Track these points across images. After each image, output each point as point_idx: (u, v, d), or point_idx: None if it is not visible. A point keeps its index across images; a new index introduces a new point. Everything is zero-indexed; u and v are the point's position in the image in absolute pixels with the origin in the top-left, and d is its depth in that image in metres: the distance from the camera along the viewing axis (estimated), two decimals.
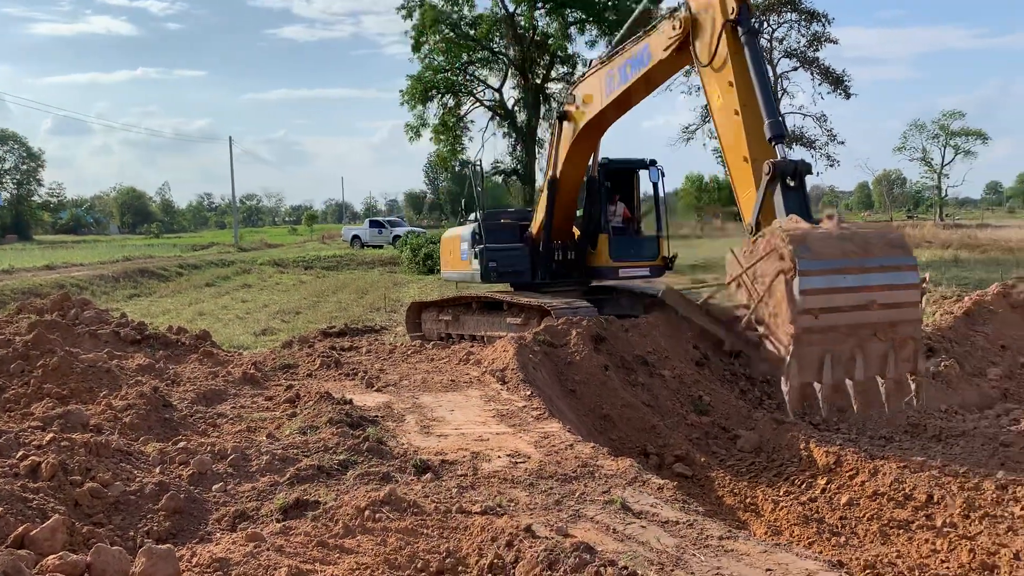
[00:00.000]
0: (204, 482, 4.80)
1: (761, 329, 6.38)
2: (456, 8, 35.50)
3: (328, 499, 4.48)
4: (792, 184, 6.62)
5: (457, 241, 12.64)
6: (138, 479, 4.56)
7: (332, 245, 55.79)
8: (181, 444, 5.42)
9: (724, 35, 6.94)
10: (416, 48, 35.83)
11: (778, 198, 6.65)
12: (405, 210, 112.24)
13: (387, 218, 62.79)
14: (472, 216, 12.80)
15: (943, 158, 78.73)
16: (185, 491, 4.49)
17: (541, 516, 4.31)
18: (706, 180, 70.94)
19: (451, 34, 35.65)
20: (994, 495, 5.89)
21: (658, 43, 7.90)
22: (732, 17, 6.88)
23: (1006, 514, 5.65)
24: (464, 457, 5.52)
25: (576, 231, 11.86)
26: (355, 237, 53.24)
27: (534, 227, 11.67)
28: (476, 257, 11.47)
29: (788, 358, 6.14)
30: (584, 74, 9.72)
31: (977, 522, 5.56)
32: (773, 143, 6.78)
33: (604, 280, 12.07)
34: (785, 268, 5.96)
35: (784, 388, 6.40)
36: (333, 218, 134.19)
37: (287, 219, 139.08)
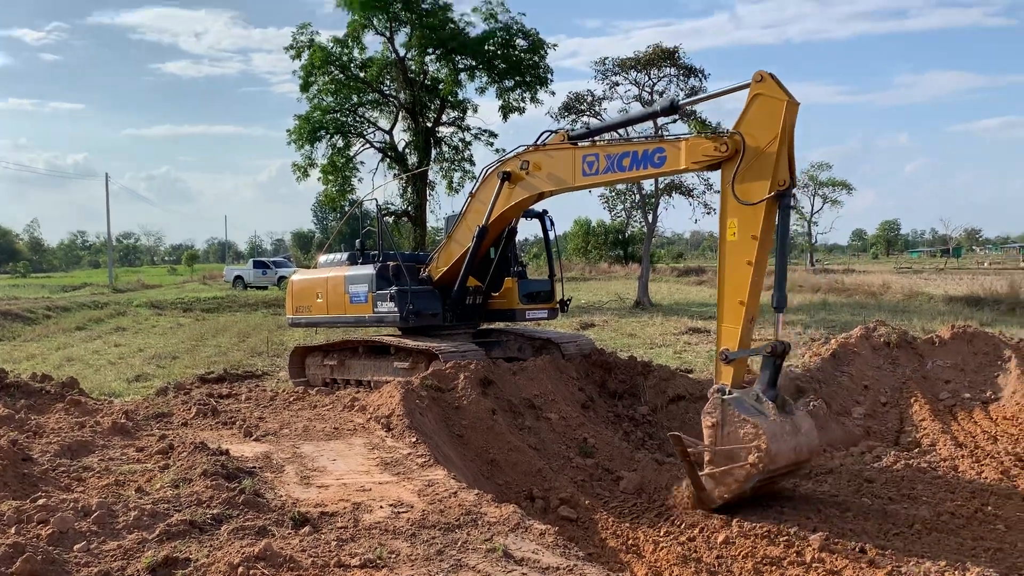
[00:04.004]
0: (65, 542, 4.49)
1: (706, 459, 7.02)
2: (346, 51, 35.35)
3: (200, 556, 4.28)
4: (777, 360, 7.27)
5: (342, 281, 12.45)
6: None
7: (213, 286, 53.91)
8: (41, 501, 5.06)
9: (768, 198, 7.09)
10: (304, 88, 35.42)
11: (765, 369, 7.25)
12: (292, 250, 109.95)
13: (272, 258, 61.24)
14: (374, 256, 12.63)
15: (812, 207, 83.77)
16: (43, 552, 4.20)
17: (422, 567, 4.26)
18: (593, 224, 72.79)
19: (340, 75, 35.47)
20: (851, 528, 6.21)
21: (688, 154, 7.82)
22: (782, 187, 7.08)
23: (867, 548, 5.96)
24: (345, 508, 5.39)
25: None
26: (238, 278, 51.65)
27: (435, 271, 11.65)
28: (391, 300, 11.31)
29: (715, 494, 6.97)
30: (540, 145, 9.62)
31: (841, 557, 5.83)
32: (778, 311, 7.39)
33: (511, 321, 12.25)
34: (752, 462, 6.71)
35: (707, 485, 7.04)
36: (215, 257, 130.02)
37: (167, 258, 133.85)
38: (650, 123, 22.83)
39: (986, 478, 7.91)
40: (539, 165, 9.48)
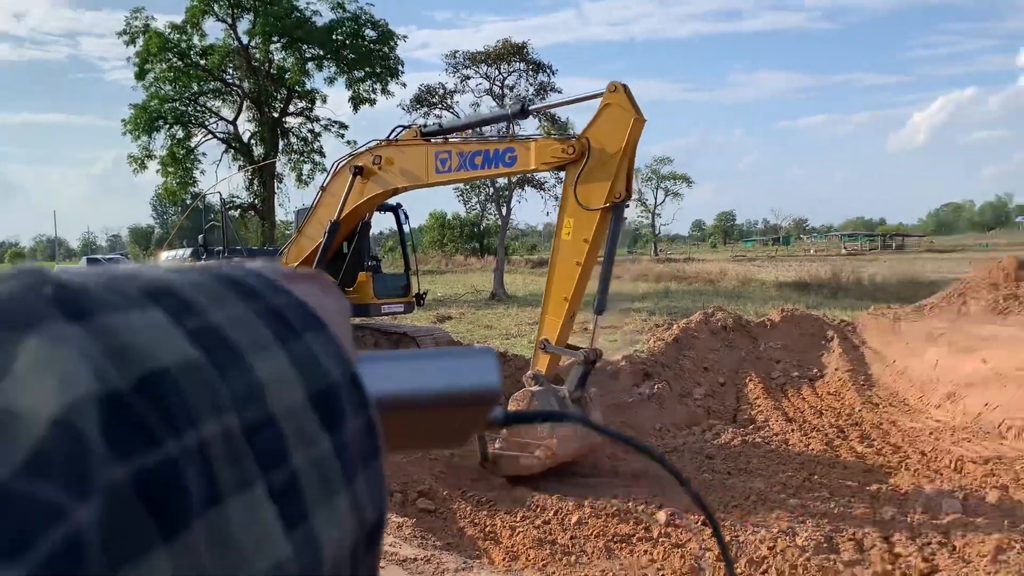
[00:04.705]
0: None
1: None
2: (185, 37, 33.67)
3: None
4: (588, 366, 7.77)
5: None
6: None
7: None
8: None
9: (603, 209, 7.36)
10: (140, 76, 33.46)
11: (575, 371, 7.79)
12: (130, 246, 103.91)
13: (108, 256, 57.68)
14: (218, 252, 12.15)
15: (656, 199, 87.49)
16: None
17: None
18: (448, 217, 72.95)
19: (179, 63, 33.75)
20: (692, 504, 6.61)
21: (537, 155, 7.92)
22: (618, 199, 7.38)
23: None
24: None
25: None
26: None
27: (285, 266, 11.34)
28: None
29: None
30: (393, 140, 9.47)
31: (685, 530, 6.19)
32: (597, 315, 7.75)
33: (367, 316, 12.09)
34: (539, 456, 7.32)
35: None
36: (44, 255, 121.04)
37: None
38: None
39: (813, 450, 8.58)
40: (391, 160, 9.43)
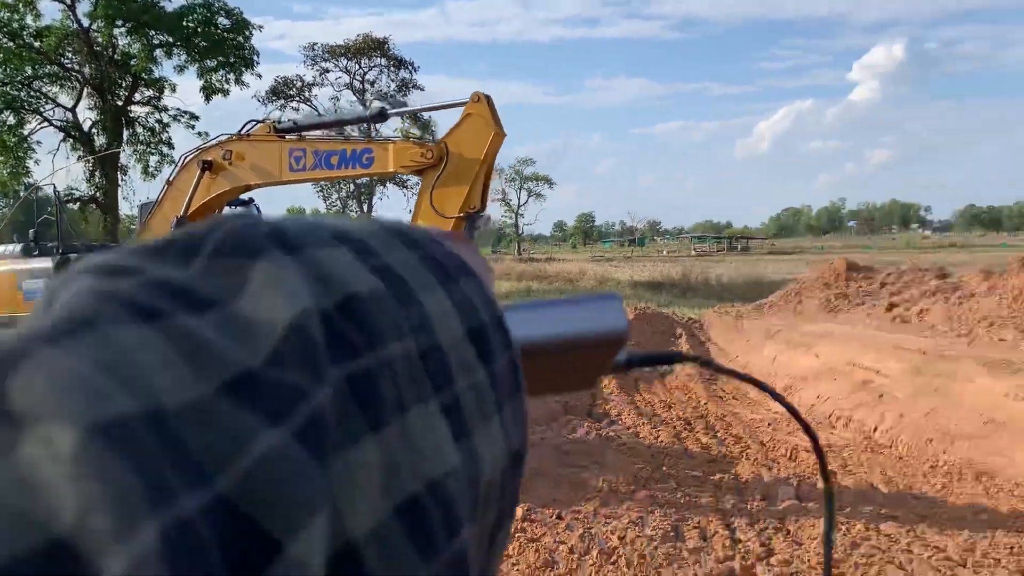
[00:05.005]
0: None
1: None
2: (16, 16, 31.17)
3: None
4: None
5: (14, 277, 11.04)
6: None
7: None
8: None
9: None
10: None
11: None
12: None
13: None
14: (53, 248, 11.29)
15: (519, 199, 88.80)
16: None
17: None
18: (308, 213, 71.20)
19: (10, 44, 31.23)
20: (551, 499, 6.76)
21: (395, 158, 7.71)
22: (472, 211, 7.38)
23: (563, 515, 6.51)
24: None
25: None
26: None
27: None
28: None
29: None
30: (244, 133, 8.99)
31: (540, 524, 6.30)
32: None
33: None
34: None
35: None
36: None
37: None
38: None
39: (662, 442, 8.94)
40: (242, 156, 9.07)
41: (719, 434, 9.30)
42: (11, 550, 0.19)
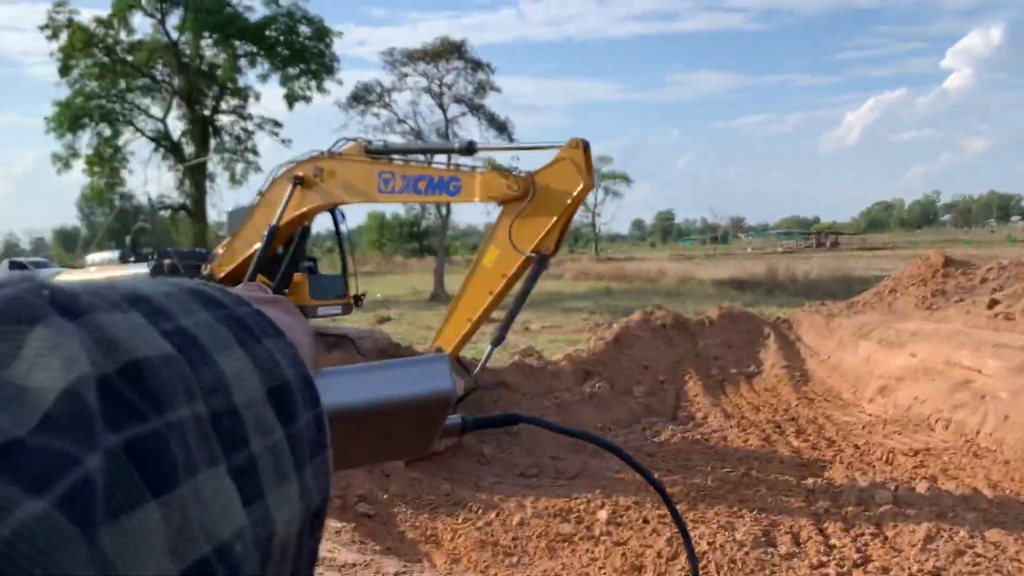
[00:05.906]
0: None
1: None
2: (111, 32, 32.56)
3: None
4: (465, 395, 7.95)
5: None
6: None
7: None
8: None
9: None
10: (64, 72, 32.25)
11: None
12: (54, 249, 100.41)
13: (31, 259, 55.54)
14: (148, 255, 11.75)
15: (596, 198, 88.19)
16: None
17: None
18: (387, 217, 72.38)
19: (105, 59, 32.66)
20: (635, 502, 6.64)
21: (482, 188, 7.86)
22: (544, 252, 7.46)
23: (649, 518, 6.38)
24: None
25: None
26: None
27: (219, 268, 11.04)
28: None
29: None
30: (335, 152, 9.27)
31: (626, 528, 6.19)
32: (493, 346, 8.09)
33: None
34: None
35: None
36: None
37: None
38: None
39: (751, 445, 8.69)
40: (333, 173, 9.27)
41: (811, 438, 8.99)
42: None
